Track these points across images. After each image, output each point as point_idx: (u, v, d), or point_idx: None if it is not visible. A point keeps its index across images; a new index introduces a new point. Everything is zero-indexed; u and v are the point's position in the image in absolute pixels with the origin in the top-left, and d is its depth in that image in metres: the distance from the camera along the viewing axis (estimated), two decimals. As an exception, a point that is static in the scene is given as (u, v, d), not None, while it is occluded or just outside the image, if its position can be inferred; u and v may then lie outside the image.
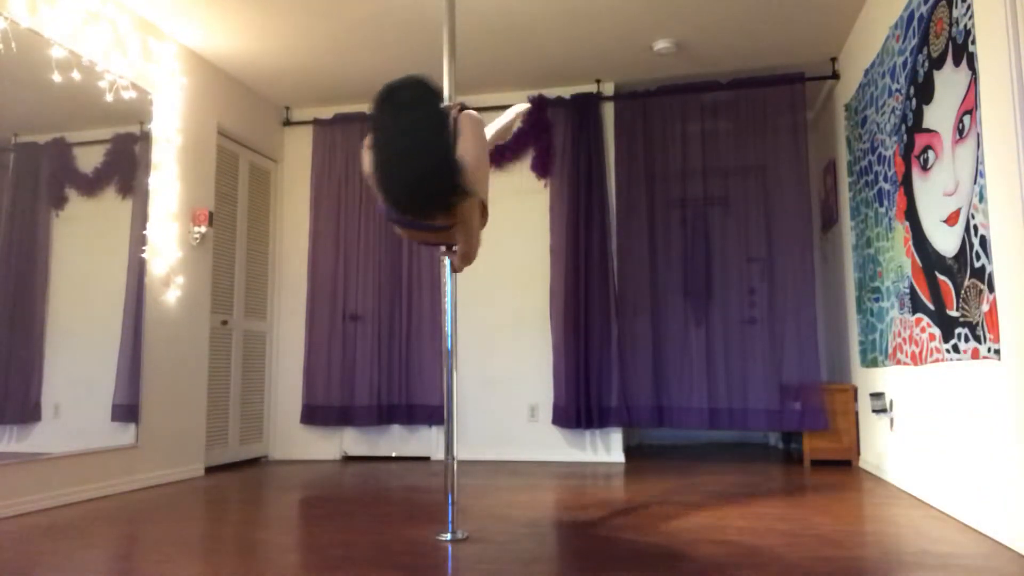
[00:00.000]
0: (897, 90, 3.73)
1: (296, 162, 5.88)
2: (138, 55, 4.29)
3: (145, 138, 4.36)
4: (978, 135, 2.79)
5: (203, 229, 4.76)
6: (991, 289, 2.69)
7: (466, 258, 2.75)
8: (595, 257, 5.24)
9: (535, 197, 5.46)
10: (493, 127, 3.36)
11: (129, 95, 4.21)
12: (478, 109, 5.51)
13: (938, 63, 3.17)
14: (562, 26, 4.56)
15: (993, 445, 2.75)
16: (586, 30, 4.62)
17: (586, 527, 3.02)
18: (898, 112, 3.72)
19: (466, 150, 2.53)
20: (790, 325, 4.95)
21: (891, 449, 4.07)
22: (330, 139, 5.76)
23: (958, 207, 3.00)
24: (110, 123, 4.10)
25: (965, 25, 2.87)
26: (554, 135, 5.43)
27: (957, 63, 2.97)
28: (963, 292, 2.95)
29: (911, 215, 3.57)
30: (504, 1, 4.24)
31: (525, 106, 3.50)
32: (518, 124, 3.42)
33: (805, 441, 4.87)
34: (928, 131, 3.32)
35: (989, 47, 2.68)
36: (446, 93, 3.09)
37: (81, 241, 3.89)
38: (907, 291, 3.64)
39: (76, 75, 3.83)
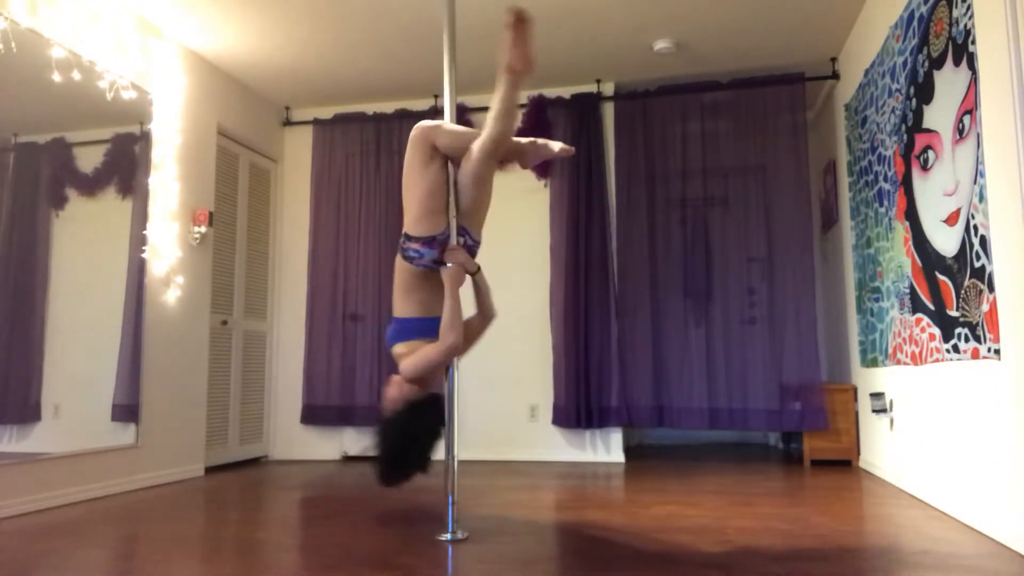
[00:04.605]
0: (897, 90, 3.73)
1: (296, 162, 5.88)
2: (138, 55, 4.29)
3: (145, 138, 4.36)
4: (978, 135, 2.79)
5: (203, 229, 4.76)
6: (991, 289, 2.69)
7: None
8: (595, 257, 5.24)
9: (535, 197, 5.46)
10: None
11: (129, 95, 4.21)
12: (478, 109, 5.52)
13: (938, 63, 3.17)
14: (562, 26, 4.56)
15: (993, 445, 2.75)
16: (586, 30, 4.62)
17: (586, 527, 3.02)
18: (898, 112, 3.72)
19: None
20: (790, 325, 4.95)
21: (891, 449, 4.07)
22: (330, 139, 5.76)
23: (958, 207, 3.00)
24: (110, 123, 4.10)
25: (965, 25, 2.87)
26: (554, 135, 5.41)
27: (957, 63, 2.97)
28: (963, 292, 2.95)
29: (911, 215, 3.57)
30: (504, 1, 4.23)
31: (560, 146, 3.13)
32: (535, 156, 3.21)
33: (805, 441, 4.87)
34: (928, 131, 3.32)
35: (989, 47, 2.68)
36: (446, 93, 3.08)
37: (81, 241, 3.89)
38: (907, 291, 3.64)
39: (76, 75, 3.83)
